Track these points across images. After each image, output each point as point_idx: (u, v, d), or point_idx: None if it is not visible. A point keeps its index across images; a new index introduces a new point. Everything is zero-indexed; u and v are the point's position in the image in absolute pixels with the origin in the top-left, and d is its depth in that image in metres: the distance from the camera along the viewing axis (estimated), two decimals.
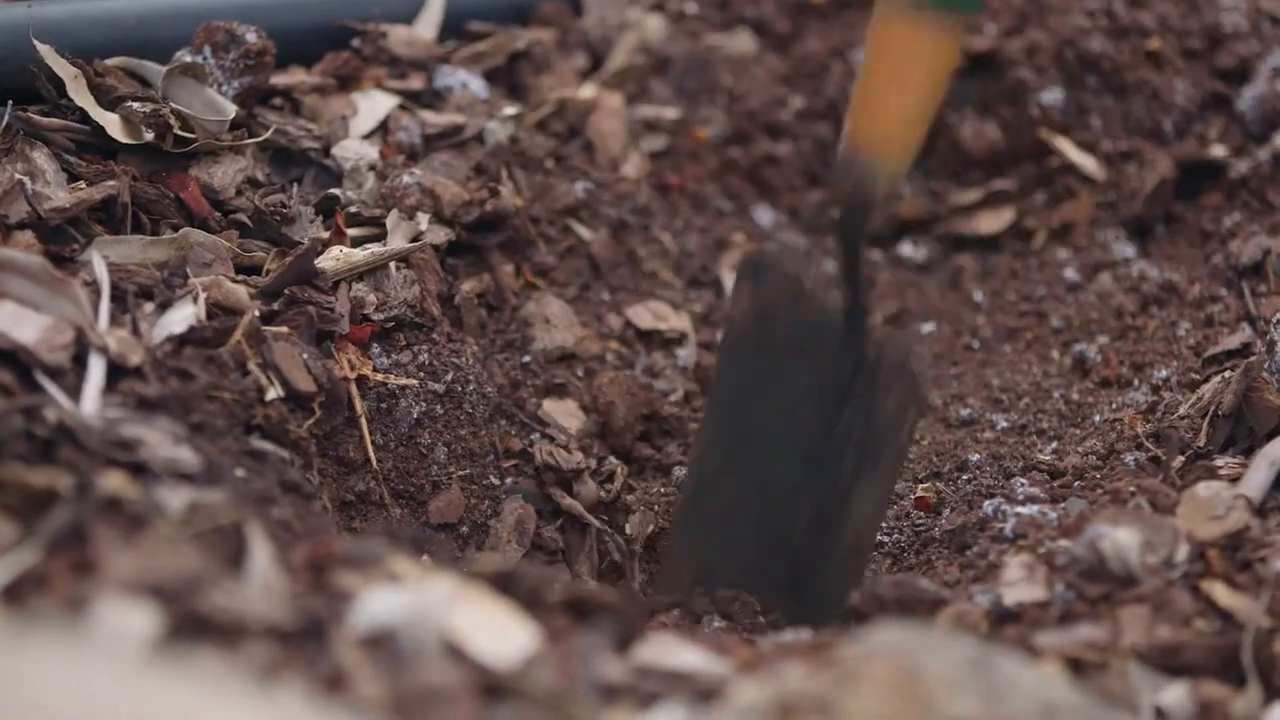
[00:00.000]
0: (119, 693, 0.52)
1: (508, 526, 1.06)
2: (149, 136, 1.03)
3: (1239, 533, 0.81)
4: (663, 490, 1.12)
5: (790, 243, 1.02)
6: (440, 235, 1.12)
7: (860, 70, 0.95)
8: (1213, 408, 0.99)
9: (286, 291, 0.99)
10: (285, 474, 0.87)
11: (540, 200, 1.22)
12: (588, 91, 1.33)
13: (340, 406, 0.98)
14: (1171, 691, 0.72)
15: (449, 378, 1.07)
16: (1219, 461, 0.94)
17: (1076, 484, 1.00)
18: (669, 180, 1.36)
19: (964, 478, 1.07)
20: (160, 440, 0.76)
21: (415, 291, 1.07)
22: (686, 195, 1.37)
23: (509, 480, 1.09)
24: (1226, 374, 1.01)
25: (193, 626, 0.60)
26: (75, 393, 0.79)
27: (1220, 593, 0.77)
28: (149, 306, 0.91)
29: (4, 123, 0.99)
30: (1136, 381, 1.13)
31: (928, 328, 1.34)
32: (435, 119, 1.22)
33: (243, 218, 1.05)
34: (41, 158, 0.98)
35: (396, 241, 1.09)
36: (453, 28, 1.33)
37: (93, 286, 0.90)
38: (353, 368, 1.01)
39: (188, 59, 1.10)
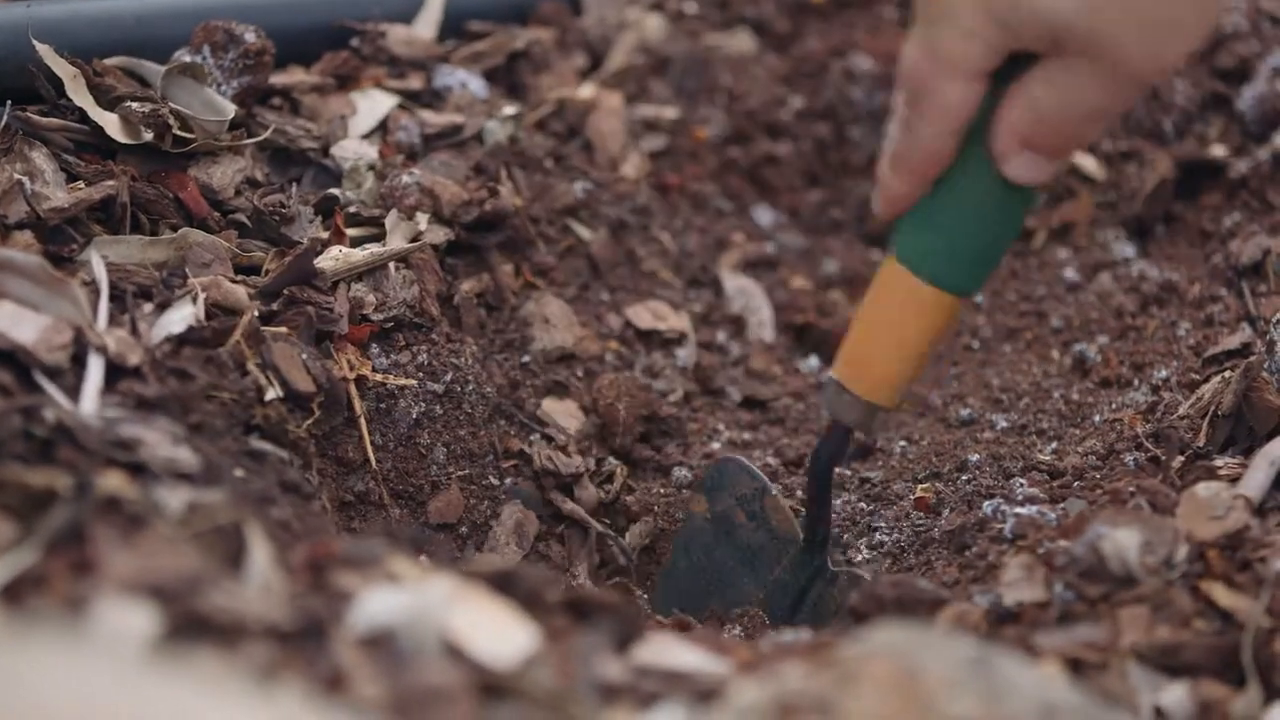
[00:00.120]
0: (118, 693, 0.52)
1: (506, 529, 1.07)
2: (148, 136, 1.03)
3: (1239, 533, 0.81)
4: (662, 490, 1.12)
5: (747, 467, 1.06)
6: (439, 235, 1.12)
7: (862, 304, 0.94)
8: (1213, 408, 0.99)
9: (286, 291, 0.99)
10: (284, 474, 0.87)
11: (540, 200, 1.22)
12: (587, 91, 1.33)
13: (339, 407, 0.98)
14: (1171, 691, 0.72)
15: (448, 378, 1.07)
16: (1219, 461, 0.94)
17: (1076, 484, 1.00)
18: (668, 180, 1.36)
19: (963, 478, 1.07)
20: (159, 440, 0.76)
21: (414, 291, 1.07)
22: (686, 195, 1.37)
23: (508, 481, 1.09)
24: (1226, 374, 1.01)
25: (192, 626, 0.60)
26: (74, 393, 0.79)
27: (1220, 593, 0.77)
28: (148, 306, 0.91)
29: (3, 122, 0.98)
30: (1136, 381, 1.13)
31: None
32: (434, 119, 1.22)
33: (242, 218, 1.05)
34: (40, 157, 0.98)
35: (396, 241, 1.09)
36: (452, 27, 1.33)
37: (91, 286, 0.90)
38: (352, 368, 1.01)
39: (187, 59, 1.10)
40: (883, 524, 1.05)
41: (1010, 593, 0.80)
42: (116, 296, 0.91)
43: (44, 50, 1.02)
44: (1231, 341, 1.09)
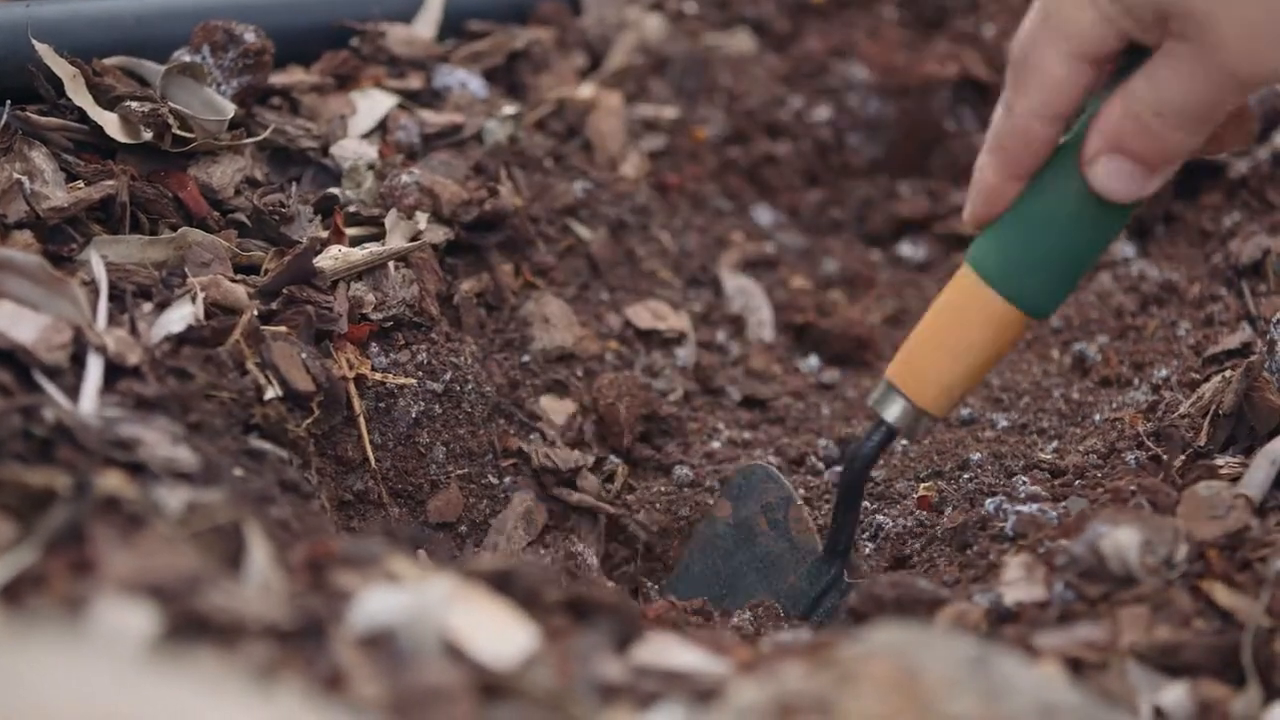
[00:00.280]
0: (117, 692, 0.52)
1: (516, 514, 1.06)
2: (147, 136, 1.03)
3: (1239, 532, 0.81)
4: (663, 490, 1.12)
5: (774, 475, 1.05)
6: (439, 235, 1.12)
7: (931, 309, 0.92)
8: (1214, 407, 0.99)
9: (285, 291, 0.99)
10: (284, 473, 0.87)
11: (539, 200, 1.22)
12: (587, 91, 1.33)
13: (339, 406, 0.98)
14: (1171, 691, 0.72)
15: (447, 377, 1.07)
16: (1219, 461, 0.94)
17: (1078, 483, 1.00)
18: (668, 180, 1.36)
19: (965, 476, 1.07)
20: (158, 440, 0.76)
21: (414, 291, 1.07)
22: (686, 195, 1.37)
23: (507, 480, 1.09)
24: (1227, 373, 1.01)
25: (191, 626, 0.60)
26: (73, 392, 0.79)
27: (1220, 592, 0.77)
28: (147, 306, 0.91)
29: (2, 122, 0.98)
30: (1136, 381, 1.13)
31: None
32: (434, 118, 1.22)
33: (241, 217, 1.05)
34: (40, 157, 0.98)
35: (395, 241, 1.09)
36: (452, 27, 1.33)
37: (91, 286, 0.90)
38: (351, 367, 1.01)
39: (186, 58, 1.10)
40: (888, 520, 1.05)
41: (1010, 592, 0.80)
42: (116, 296, 0.91)
43: (43, 50, 1.02)
44: (1231, 341, 1.09)
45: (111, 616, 0.58)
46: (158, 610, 0.59)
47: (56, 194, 0.96)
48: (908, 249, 1.43)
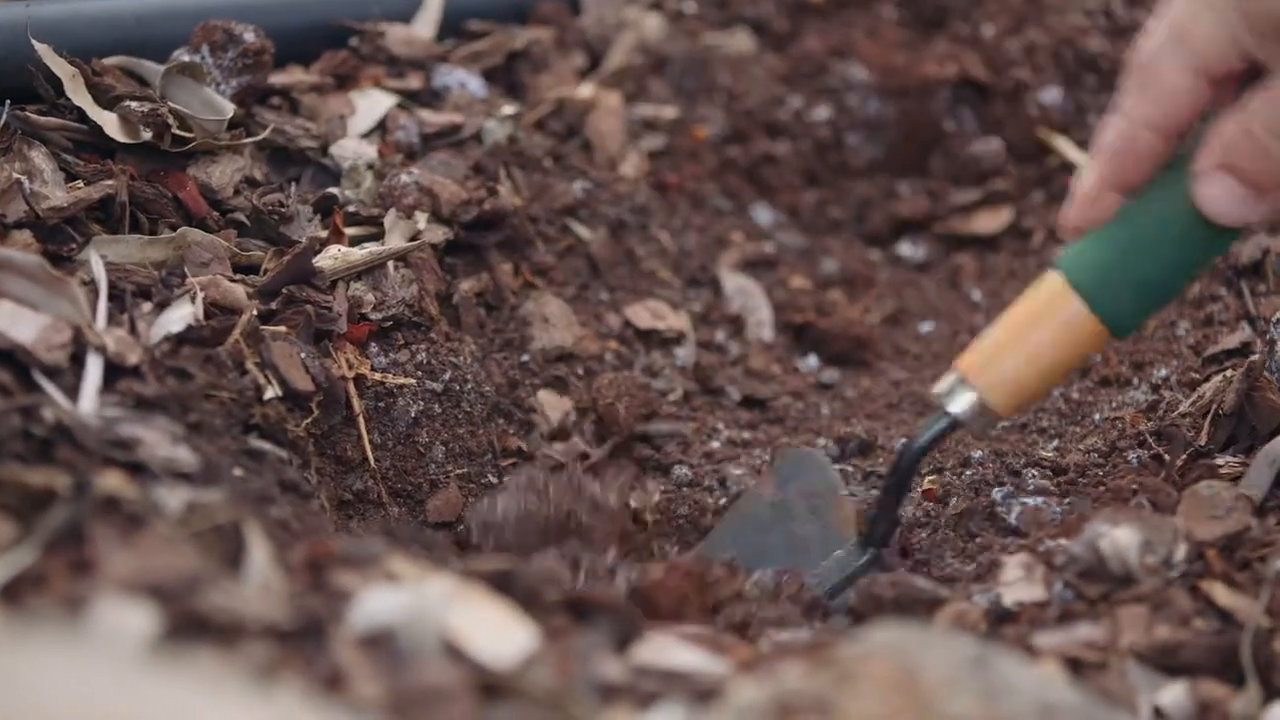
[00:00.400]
0: (117, 692, 0.52)
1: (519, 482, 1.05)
2: (147, 136, 1.03)
3: (1239, 533, 0.81)
4: (663, 489, 1.12)
5: (822, 462, 1.04)
6: (438, 234, 1.12)
7: (1014, 307, 0.91)
8: (1214, 406, 0.99)
9: (284, 291, 0.99)
10: (283, 473, 0.87)
11: (539, 199, 1.22)
12: (586, 91, 1.33)
13: (338, 405, 0.98)
14: (1170, 691, 0.72)
15: (447, 377, 1.07)
16: (1220, 460, 0.94)
17: (1080, 480, 1.00)
18: (667, 179, 1.36)
19: (967, 473, 1.07)
20: (158, 439, 0.76)
21: (413, 290, 1.07)
22: (685, 194, 1.37)
23: (507, 479, 1.09)
24: (1228, 373, 1.01)
25: (191, 626, 0.60)
26: (73, 392, 0.79)
27: (1219, 592, 0.77)
28: (147, 306, 0.91)
29: (2, 121, 0.98)
30: (1136, 380, 1.13)
31: (927, 327, 1.34)
32: (433, 118, 1.22)
33: (240, 217, 1.05)
34: (39, 157, 0.98)
35: (394, 240, 1.09)
36: (451, 27, 1.33)
37: (90, 286, 0.90)
38: (351, 367, 1.01)
39: (186, 58, 1.10)
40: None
41: (1009, 592, 0.80)
42: (115, 296, 0.91)
43: (43, 50, 1.02)
44: (1231, 341, 1.09)
45: (111, 616, 0.58)
46: (157, 610, 0.59)
47: (56, 194, 0.96)
48: (907, 249, 1.43)
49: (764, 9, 1.51)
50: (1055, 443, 1.09)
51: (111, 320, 0.88)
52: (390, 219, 1.10)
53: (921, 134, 1.46)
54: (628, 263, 1.26)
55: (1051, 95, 1.40)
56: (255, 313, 0.94)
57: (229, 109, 1.07)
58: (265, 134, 1.11)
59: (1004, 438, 1.12)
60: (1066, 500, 0.95)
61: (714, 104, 1.43)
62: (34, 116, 1.00)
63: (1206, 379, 1.05)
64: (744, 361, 1.26)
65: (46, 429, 0.72)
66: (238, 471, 0.82)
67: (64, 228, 0.95)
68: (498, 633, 0.65)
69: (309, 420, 0.94)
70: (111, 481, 0.69)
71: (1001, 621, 0.79)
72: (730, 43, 1.48)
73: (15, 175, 0.95)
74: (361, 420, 1.01)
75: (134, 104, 1.03)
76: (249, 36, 1.11)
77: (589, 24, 1.42)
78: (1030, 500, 0.94)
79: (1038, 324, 0.89)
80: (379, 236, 1.10)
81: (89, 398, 0.79)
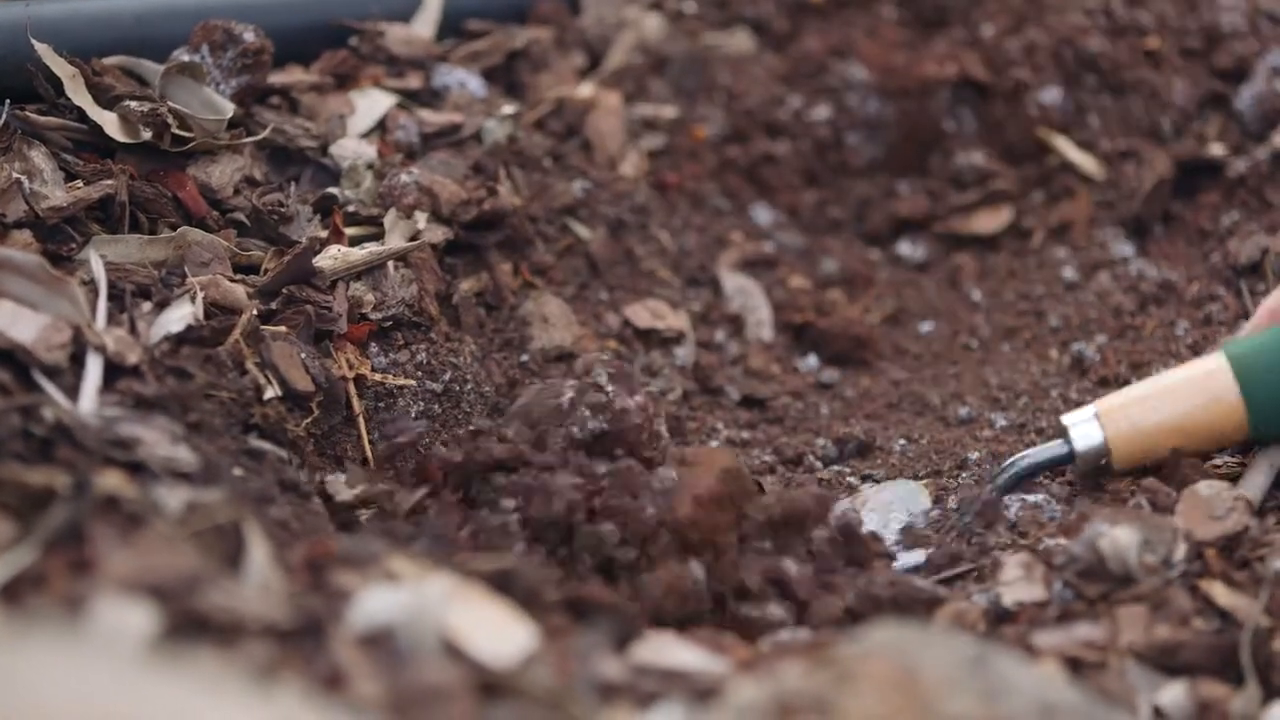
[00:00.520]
0: (117, 692, 0.52)
1: None
2: (147, 135, 1.03)
3: (1238, 533, 0.81)
4: None
5: None
6: (438, 234, 1.12)
7: (1176, 371, 0.97)
8: None
9: (284, 290, 0.99)
10: (283, 473, 0.87)
11: (538, 199, 1.22)
12: (586, 90, 1.33)
13: (338, 406, 0.98)
14: (1170, 690, 0.72)
15: (447, 377, 1.07)
16: (1218, 460, 0.94)
17: (1079, 480, 1.00)
18: (667, 179, 1.36)
19: (964, 475, 1.07)
20: (158, 439, 0.76)
21: (413, 290, 1.07)
22: (685, 194, 1.37)
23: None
24: None
25: (191, 625, 0.60)
26: (73, 392, 0.79)
27: (1219, 592, 0.77)
28: (147, 305, 0.91)
29: (2, 121, 0.98)
30: (1135, 380, 1.13)
31: (926, 327, 1.34)
32: (433, 118, 1.22)
33: (240, 217, 1.05)
34: (39, 156, 0.98)
35: (394, 240, 1.09)
36: (451, 26, 1.33)
37: (90, 285, 0.90)
38: (351, 367, 1.01)
39: (185, 58, 1.10)
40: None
41: (1009, 592, 0.80)
42: (115, 295, 0.90)
43: (43, 49, 1.02)
44: None
45: (111, 616, 0.58)
46: (157, 610, 0.59)
47: (55, 193, 0.96)
48: (906, 248, 1.43)
49: (764, 9, 1.51)
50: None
51: (111, 320, 0.88)
52: (390, 219, 1.10)
53: (921, 134, 1.46)
54: (627, 262, 1.26)
55: (1051, 95, 1.40)
56: (255, 313, 0.94)
57: (229, 109, 1.07)
58: (265, 134, 1.11)
59: (1002, 439, 1.12)
60: (1067, 501, 0.95)
61: (714, 104, 1.43)
62: (34, 116, 1.00)
63: None
64: (743, 361, 1.26)
65: (46, 429, 0.72)
66: (237, 471, 0.81)
67: (64, 227, 0.95)
68: (497, 632, 0.65)
69: (309, 420, 0.94)
70: (111, 481, 0.69)
71: (1001, 621, 0.79)
72: (730, 42, 1.48)
73: (15, 175, 0.95)
74: (361, 420, 1.01)
75: (134, 104, 1.03)
76: (249, 36, 1.11)
77: (589, 24, 1.42)
78: (1029, 497, 0.94)
79: (1189, 395, 0.94)
80: (379, 236, 1.10)
81: (89, 397, 0.79)
